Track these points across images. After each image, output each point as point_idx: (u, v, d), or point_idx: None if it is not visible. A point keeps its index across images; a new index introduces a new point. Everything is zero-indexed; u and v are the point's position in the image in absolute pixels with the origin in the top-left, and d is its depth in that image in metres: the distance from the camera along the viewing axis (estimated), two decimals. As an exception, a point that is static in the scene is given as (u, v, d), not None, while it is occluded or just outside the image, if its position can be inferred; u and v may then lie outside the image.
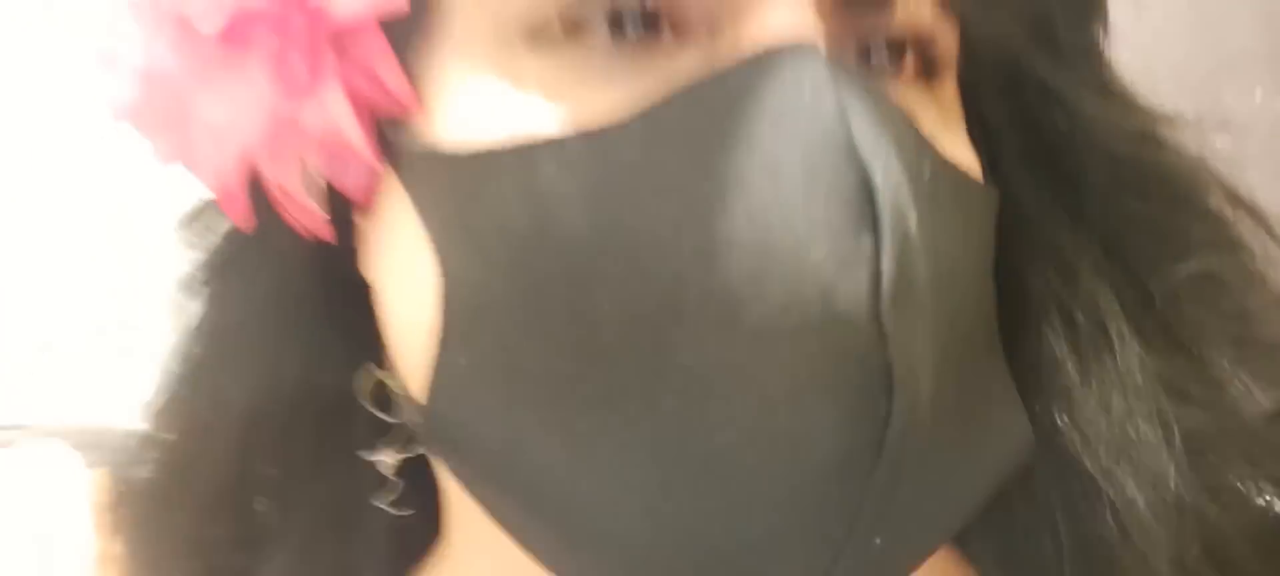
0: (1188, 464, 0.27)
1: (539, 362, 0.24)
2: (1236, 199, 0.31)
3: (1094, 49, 0.31)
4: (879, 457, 0.21)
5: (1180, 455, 0.27)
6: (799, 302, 0.21)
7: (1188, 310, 0.29)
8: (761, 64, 0.23)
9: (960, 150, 0.27)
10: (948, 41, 0.27)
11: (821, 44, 0.23)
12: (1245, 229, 0.31)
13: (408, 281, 0.26)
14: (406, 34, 0.25)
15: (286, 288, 0.30)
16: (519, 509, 0.25)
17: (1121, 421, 0.27)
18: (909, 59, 0.26)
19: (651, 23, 0.24)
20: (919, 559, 0.26)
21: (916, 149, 0.24)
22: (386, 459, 0.30)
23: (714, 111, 0.23)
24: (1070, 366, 0.28)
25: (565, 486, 0.24)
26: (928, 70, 0.27)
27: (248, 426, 0.31)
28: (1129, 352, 0.28)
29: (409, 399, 0.27)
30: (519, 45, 0.24)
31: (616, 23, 0.24)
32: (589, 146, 0.23)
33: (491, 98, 0.25)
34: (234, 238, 0.31)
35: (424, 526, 0.33)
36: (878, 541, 0.22)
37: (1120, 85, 0.31)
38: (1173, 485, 0.27)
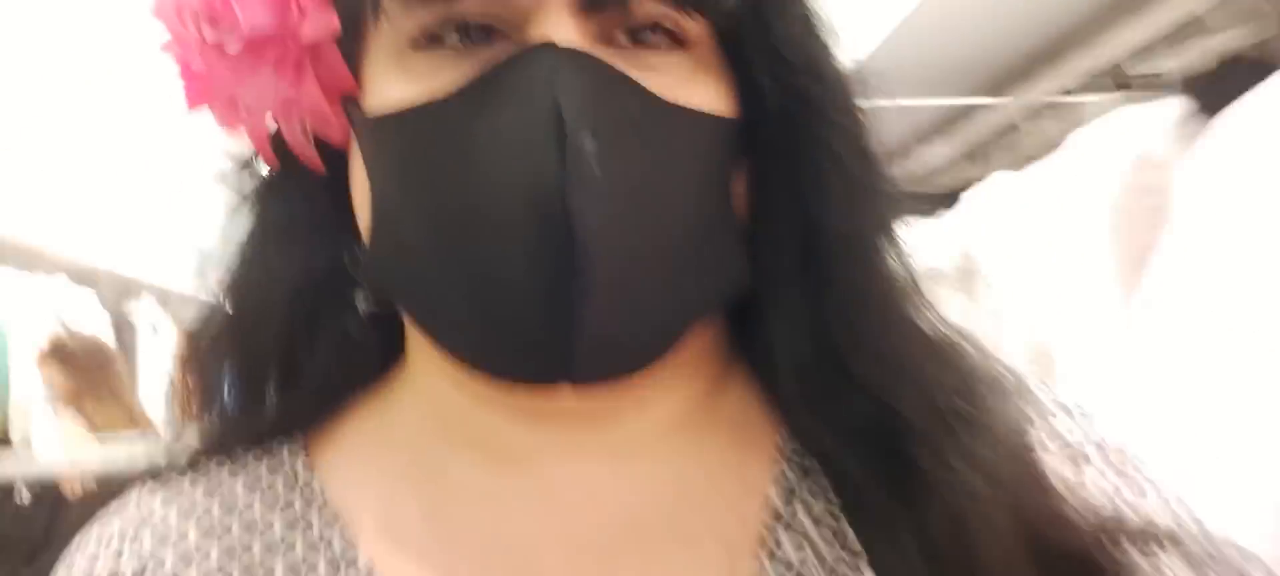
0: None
1: (412, 228, 0.40)
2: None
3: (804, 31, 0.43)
4: (573, 243, 0.36)
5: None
6: (527, 181, 0.36)
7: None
8: (524, 54, 0.38)
9: (702, 94, 0.41)
10: (688, 23, 0.40)
11: (574, 38, 0.38)
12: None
13: (360, 195, 0.43)
14: (351, 46, 0.41)
15: (304, 205, 0.46)
16: (417, 308, 0.42)
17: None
18: (657, 36, 0.40)
19: (484, 30, 0.39)
20: (644, 327, 0.40)
21: (617, 92, 0.38)
22: (363, 302, 0.46)
23: (496, 83, 0.38)
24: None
25: (431, 290, 0.41)
26: (678, 42, 0.40)
27: (290, 295, 0.46)
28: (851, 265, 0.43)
29: (367, 258, 0.43)
30: (408, 49, 0.40)
31: (464, 32, 0.39)
32: (433, 110, 0.39)
33: (394, 83, 0.40)
34: (269, 175, 0.46)
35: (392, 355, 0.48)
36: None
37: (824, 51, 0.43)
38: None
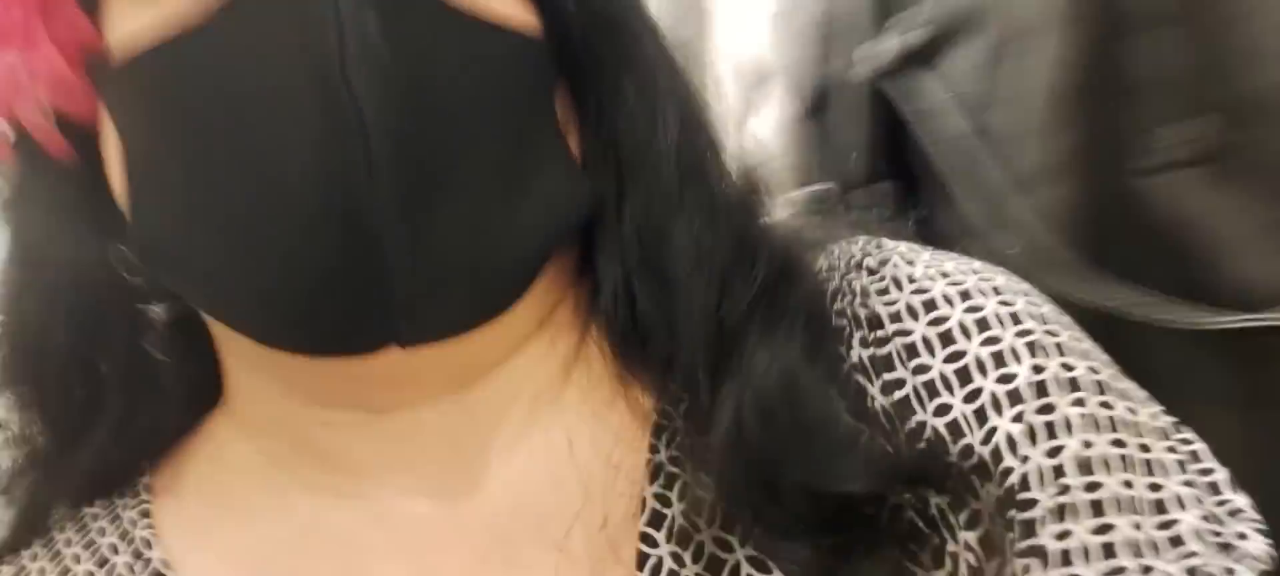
0: None
1: (177, 185, 0.35)
2: None
3: None
4: (365, 133, 0.31)
5: None
6: (300, 74, 0.31)
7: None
8: None
9: (501, 6, 0.36)
10: None
11: None
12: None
13: (115, 168, 0.37)
14: None
15: (59, 203, 0.39)
16: (195, 282, 0.37)
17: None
18: None
19: None
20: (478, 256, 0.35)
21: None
22: (158, 311, 0.41)
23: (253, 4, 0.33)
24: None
25: (208, 254, 0.35)
26: None
27: (66, 315, 0.40)
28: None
29: (132, 237, 0.37)
30: None
31: None
32: (184, 41, 0.34)
33: (136, 13, 0.35)
34: (15, 179, 0.41)
35: (212, 381, 0.43)
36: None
37: None
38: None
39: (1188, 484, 0.34)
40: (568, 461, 0.38)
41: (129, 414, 0.42)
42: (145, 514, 0.42)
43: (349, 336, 0.34)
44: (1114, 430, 0.35)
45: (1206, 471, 0.35)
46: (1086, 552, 0.33)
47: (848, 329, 0.38)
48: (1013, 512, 0.34)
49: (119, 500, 0.43)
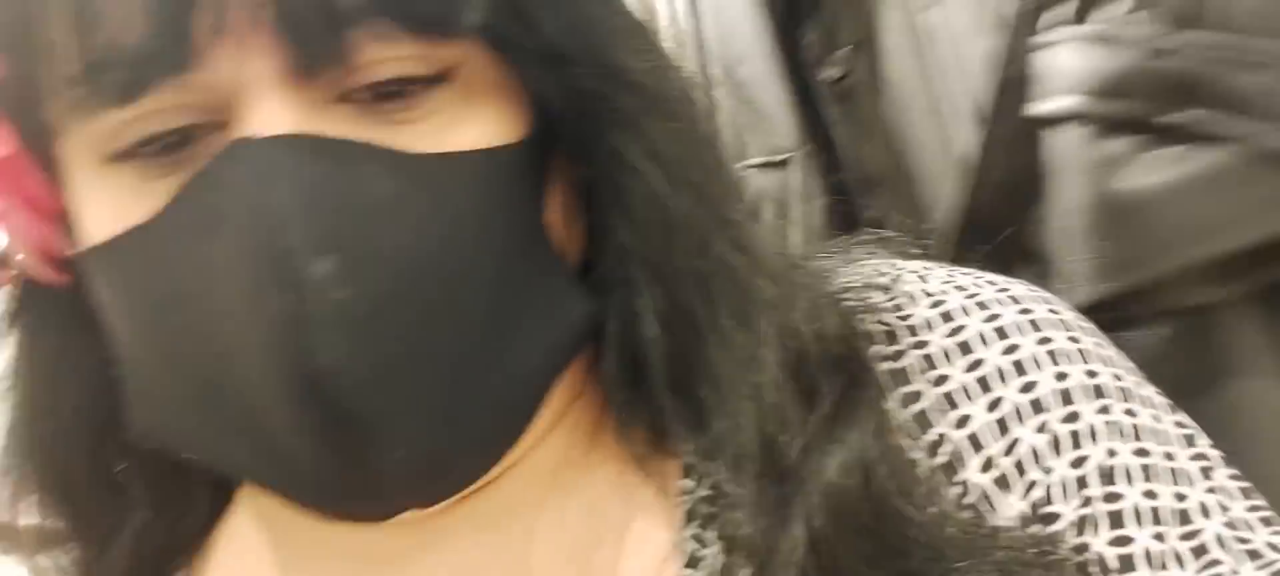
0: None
1: (155, 374, 0.35)
2: None
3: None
4: (339, 396, 0.30)
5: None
6: (262, 338, 0.31)
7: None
8: (223, 159, 0.31)
9: (475, 129, 0.33)
10: (439, 54, 0.32)
11: (288, 119, 0.30)
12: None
13: (103, 309, 0.37)
14: (45, 162, 0.36)
15: (66, 322, 0.39)
16: (202, 456, 0.37)
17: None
18: (404, 83, 0.32)
19: (183, 136, 0.32)
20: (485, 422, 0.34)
21: (353, 173, 0.31)
22: None
23: (201, 203, 0.32)
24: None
25: (207, 444, 0.36)
26: (433, 78, 0.32)
27: (75, 421, 0.40)
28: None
29: (128, 396, 0.37)
30: (101, 167, 0.33)
31: (151, 144, 0.32)
32: (135, 238, 0.33)
33: (95, 204, 0.34)
34: (25, 296, 0.40)
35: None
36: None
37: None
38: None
39: (1211, 491, 0.34)
40: (598, 518, 0.38)
41: (154, 516, 0.42)
42: None
43: (360, 512, 0.35)
44: (1138, 438, 0.34)
45: (1235, 476, 0.35)
46: (1104, 564, 0.32)
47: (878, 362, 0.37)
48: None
49: None
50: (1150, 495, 0.33)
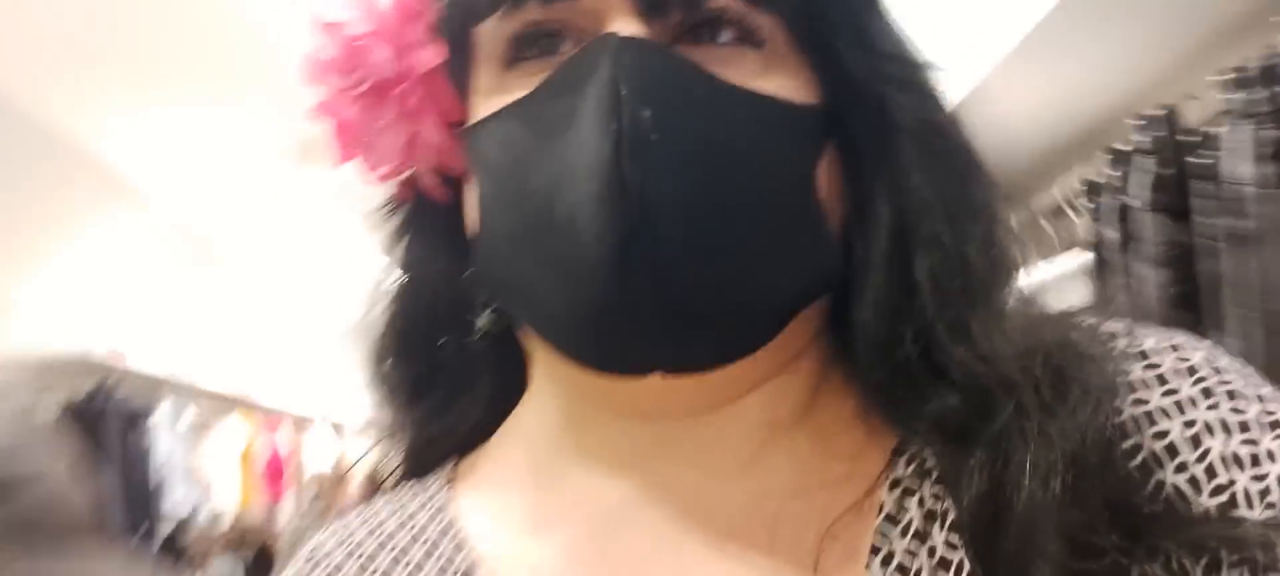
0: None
1: (503, 223, 0.44)
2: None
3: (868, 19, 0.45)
4: (635, 212, 0.38)
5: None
6: (586, 158, 0.39)
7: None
8: (587, 50, 0.41)
9: (774, 85, 0.42)
10: (759, 20, 0.42)
11: (638, 29, 0.41)
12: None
13: (471, 206, 0.47)
14: (460, 74, 0.47)
15: (437, 229, 0.50)
16: (514, 301, 0.46)
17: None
18: (728, 34, 0.42)
19: (556, 38, 0.43)
20: (726, 321, 0.42)
21: (679, 73, 0.40)
22: (483, 321, 0.51)
23: (562, 75, 0.42)
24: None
25: (523, 281, 0.44)
26: (752, 41, 0.42)
27: (423, 310, 0.52)
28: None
29: (476, 259, 0.47)
30: (502, 70, 0.45)
31: (544, 43, 0.43)
32: (512, 108, 0.43)
33: (493, 101, 0.45)
34: (406, 208, 0.52)
35: (512, 391, 0.52)
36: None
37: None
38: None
39: None
40: (809, 469, 0.45)
41: (447, 397, 0.53)
42: (449, 484, 0.52)
43: (624, 361, 0.43)
44: None
45: None
46: None
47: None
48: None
49: (432, 477, 0.53)
50: None
